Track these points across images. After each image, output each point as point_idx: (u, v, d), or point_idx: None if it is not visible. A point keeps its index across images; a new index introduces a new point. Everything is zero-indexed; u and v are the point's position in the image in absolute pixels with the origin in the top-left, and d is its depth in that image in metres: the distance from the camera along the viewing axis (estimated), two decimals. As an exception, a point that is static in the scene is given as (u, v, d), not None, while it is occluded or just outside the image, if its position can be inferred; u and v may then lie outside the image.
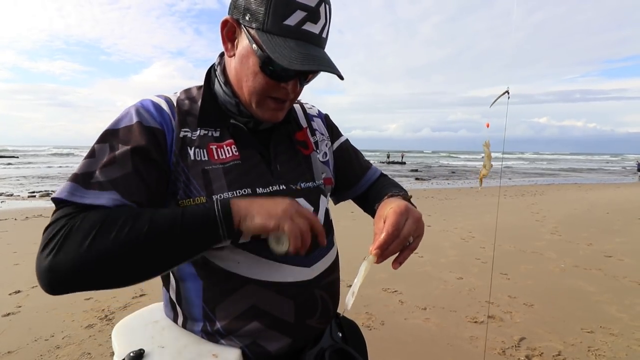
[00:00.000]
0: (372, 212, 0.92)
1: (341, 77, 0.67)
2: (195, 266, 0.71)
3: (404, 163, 37.62)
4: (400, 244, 0.64)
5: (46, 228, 0.58)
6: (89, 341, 2.58)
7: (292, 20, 0.62)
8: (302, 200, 0.76)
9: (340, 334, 0.85)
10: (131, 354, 0.67)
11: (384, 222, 0.66)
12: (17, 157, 37.96)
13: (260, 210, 0.60)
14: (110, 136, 0.66)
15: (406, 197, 0.79)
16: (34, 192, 11.47)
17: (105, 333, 2.69)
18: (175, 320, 0.77)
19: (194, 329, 0.74)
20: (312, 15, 0.63)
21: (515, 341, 2.62)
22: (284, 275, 0.71)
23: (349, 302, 0.64)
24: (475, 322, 2.92)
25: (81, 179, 0.61)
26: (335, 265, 0.84)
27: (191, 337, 0.73)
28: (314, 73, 0.70)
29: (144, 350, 0.68)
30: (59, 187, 0.62)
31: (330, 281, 0.80)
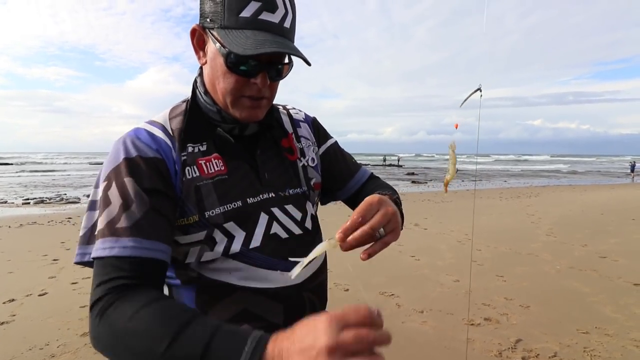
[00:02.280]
0: None
1: (307, 62, 0.67)
2: (188, 278, 0.72)
3: (401, 166, 37.71)
4: (366, 234, 0.60)
5: (98, 284, 0.59)
6: (85, 349, 2.56)
7: (247, 12, 0.63)
8: (290, 207, 0.78)
9: None
10: None
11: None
12: (11, 164, 37.57)
13: None
14: (115, 176, 0.65)
15: (393, 197, 0.78)
16: (28, 199, 11.38)
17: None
18: None
19: None
20: (268, 4, 0.64)
21: (511, 343, 2.63)
22: (273, 281, 0.73)
23: (294, 272, 0.62)
24: (472, 324, 2.93)
25: (108, 231, 0.62)
26: (323, 268, 0.85)
27: None
28: (285, 65, 0.71)
29: None
30: (95, 247, 0.63)
31: (317, 283, 0.81)
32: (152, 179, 0.65)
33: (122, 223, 0.62)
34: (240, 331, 0.52)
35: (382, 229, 0.63)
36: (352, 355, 0.43)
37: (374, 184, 0.96)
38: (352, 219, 0.61)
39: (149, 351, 0.53)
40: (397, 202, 0.78)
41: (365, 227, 0.61)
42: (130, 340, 0.54)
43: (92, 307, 0.59)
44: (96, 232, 0.64)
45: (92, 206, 0.70)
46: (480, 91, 1.48)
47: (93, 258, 0.63)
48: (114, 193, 0.64)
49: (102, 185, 0.66)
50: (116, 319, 0.56)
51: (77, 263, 0.68)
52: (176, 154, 0.70)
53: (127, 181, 0.64)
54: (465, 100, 1.50)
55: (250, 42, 0.62)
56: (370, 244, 0.63)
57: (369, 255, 0.63)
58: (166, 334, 0.52)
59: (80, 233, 0.69)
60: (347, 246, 0.61)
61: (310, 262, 0.63)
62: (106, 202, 0.64)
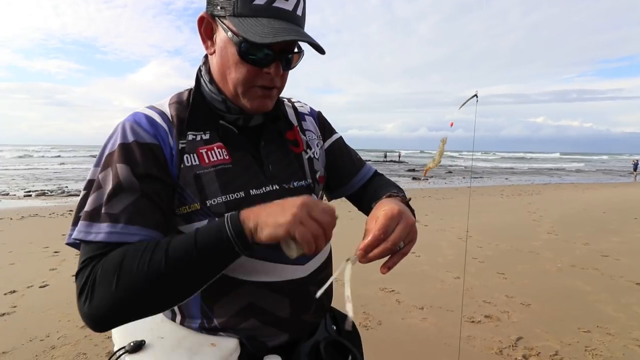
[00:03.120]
0: (367, 212, 0.92)
1: (320, 50, 0.66)
2: None
3: (402, 162, 37.63)
4: (387, 249, 0.61)
5: (77, 272, 0.61)
6: (85, 341, 2.57)
7: None
8: None
9: (334, 327, 0.86)
10: (132, 344, 0.68)
11: (375, 223, 0.64)
12: (13, 157, 37.47)
13: (268, 220, 0.57)
14: (110, 160, 0.65)
15: (405, 199, 0.78)
16: (29, 192, 11.40)
17: (101, 333, 2.67)
18: (173, 319, 0.78)
19: (191, 326, 0.74)
20: None
21: (512, 341, 2.62)
22: (279, 274, 0.72)
23: (349, 310, 0.63)
24: (472, 321, 2.92)
25: (94, 216, 0.62)
26: (328, 261, 0.84)
27: (189, 330, 0.75)
28: (295, 55, 0.70)
29: (144, 341, 0.70)
30: (77, 228, 0.63)
31: (323, 277, 0.80)
32: (146, 165, 0.65)
33: (110, 209, 0.62)
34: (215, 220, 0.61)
35: (401, 242, 0.63)
36: (313, 219, 0.56)
37: (378, 181, 0.95)
38: (374, 235, 0.61)
39: (153, 273, 0.56)
40: (408, 204, 0.77)
41: (387, 245, 0.61)
42: (130, 280, 0.56)
43: (79, 294, 0.59)
44: (82, 213, 0.64)
45: (87, 186, 0.68)
46: (477, 97, 1.55)
47: (76, 239, 0.62)
48: (107, 178, 0.64)
49: (98, 169, 0.66)
50: (107, 281, 0.57)
51: (68, 244, 0.66)
52: (173, 141, 0.69)
53: (120, 167, 0.64)
54: (463, 105, 1.57)
55: (267, 30, 0.61)
56: (389, 256, 0.63)
57: (389, 269, 0.63)
58: (160, 250, 0.58)
59: (74, 214, 0.68)
60: (366, 261, 0.62)
61: (350, 293, 0.64)
62: (98, 186, 0.64)
